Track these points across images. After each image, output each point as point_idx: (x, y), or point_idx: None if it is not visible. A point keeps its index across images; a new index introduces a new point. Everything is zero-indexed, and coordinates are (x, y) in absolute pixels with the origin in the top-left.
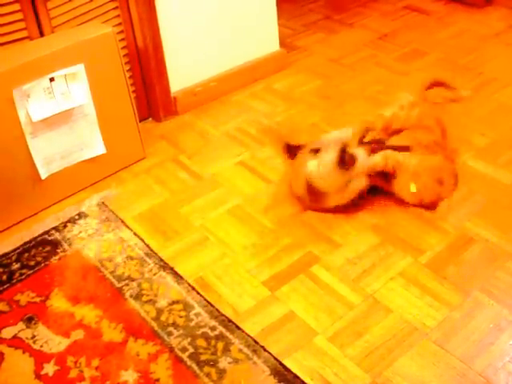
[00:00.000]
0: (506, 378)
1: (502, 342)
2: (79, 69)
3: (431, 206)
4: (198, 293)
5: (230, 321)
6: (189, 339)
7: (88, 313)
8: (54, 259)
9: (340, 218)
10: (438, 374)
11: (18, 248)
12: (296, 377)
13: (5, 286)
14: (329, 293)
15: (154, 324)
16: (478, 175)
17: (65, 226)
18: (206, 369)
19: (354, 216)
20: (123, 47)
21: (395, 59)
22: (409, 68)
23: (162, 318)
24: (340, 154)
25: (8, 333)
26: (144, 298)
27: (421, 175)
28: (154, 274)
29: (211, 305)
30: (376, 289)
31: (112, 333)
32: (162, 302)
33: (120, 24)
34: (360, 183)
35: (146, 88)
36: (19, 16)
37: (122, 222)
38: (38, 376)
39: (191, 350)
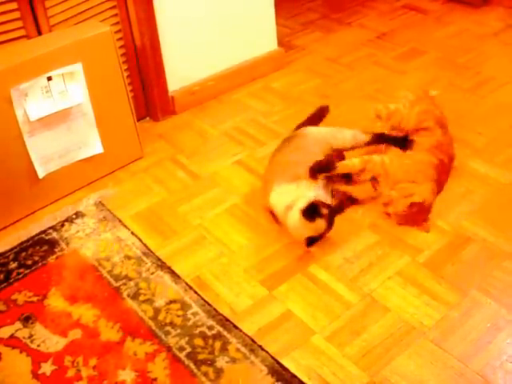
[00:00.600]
0: (504, 377)
1: (500, 341)
2: (77, 68)
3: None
4: (196, 292)
5: (227, 320)
6: (186, 338)
7: (85, 312)
8: (52, 258)
9: (337, 218)
10: (435, 373)
11: (15, 247)
12: (294, 376)
13: (2, 286)
14: (326, 292)
15: (151, 323)
16: (475, 174)
17: (62, 226)
18: (204, 368)
19: (352, 215)
20: (121, 46)
21: (393, 58)
22: (407, 67)
23: (160, 318)
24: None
25: (5, 332)
26: (141, 298)
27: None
28: (152, 274)
29: (209, 304)
30: (373, 288)
31: (109, 332)
32: (160, 302)
33: (118, 23)
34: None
35: (144, 87)
36: (16, 15)
37: (120, 221)
38: (35, 376)
39: (189, 349)
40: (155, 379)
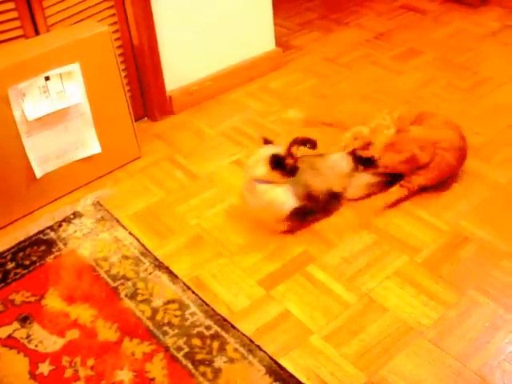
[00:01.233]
0: (502, 377)
1: (498, 341)
2: (74, 68)
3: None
4: (194, 292)
5: (225, 320)
6: (184, 338)
7: (83, 312)
8: (49, 258)
9: (335, 218)
10: (433, 373)
11: (12, 247)
12: (291, 376)
13: (0, 286)
14: (324, 292)
15: (149, 323)
16: (473, 174)
17: (60, 226)
18: (202, 368)
19: (350, 215)
20: (118, 46)
21: (391, 58)
22: (405, 67)
23: (158, 318)
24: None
25: (2, 332)
26: (139, 298)
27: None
28: (150, 274)
29: (206, 304)
30: (371, 288)
31: (107, 332)
32: (158, 302)
33: (115, 23)
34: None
35: (142, 87)
36: (14, 14)
37: (118, 221)
38: (32, 376)
39: (186, 349)
40: (153, 379)
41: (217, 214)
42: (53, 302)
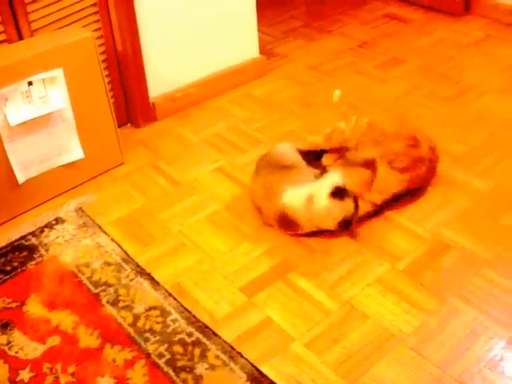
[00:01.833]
0: (482, 383)
1: (478, 348)
2: (58, 73)
3: None
4: (175, 299)
5: (206, 327)
6: (165, 345)
7: (64, 319)
8: (31, 264)
9: None
10: (414, 380)
11: None
12: (273, 383)
13: None
14: (306, 299)
15: (130, 330)
16: (455, 182)
17: (42, 231)
18: (183, 375)
19: None
20: (102, 52)
21: (374, 67)
22: (388, 76)
23: (139, 324)
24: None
25: None
26: (121, 304)
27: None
28: (131, 280)
29: (188, 311)
30: (353, 295)
31: (88, 339)
32: (139, 308)
33: (99, 29)
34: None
35: (125, 93)
36: None
37: (100, 227)
38: (12, 383)
39: (168, 356)
40: None
41: (199, 221)
42: (34, 308)
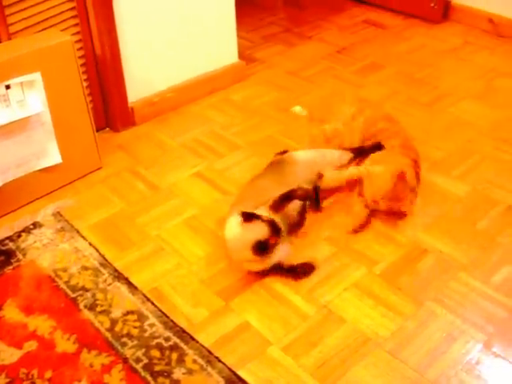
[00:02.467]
0: None
1: (455, 351)
2: (36, 77)
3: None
4: (153, 303)
5: (184, 331)
6: (143, 350)
7: (41, 324)
8: (8, 269)
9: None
10: None
11: None
12: None
13: None
14: (283, 303)
15: (107, 335)
16: (432, 187)
17: (19, 236)
18: (160, 380)
19: (309, 227)
20: (81, 56)
21: (353, 72)
22: (366, 81)
23: (116, 329)
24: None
25: None
26: (98, 309)
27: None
28: (109, 285)
29: (166, 315)
30: (330, 299)
31: (65, 344)
32: (117, 313)
33: (78, 33)
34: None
35: (104, 97)
36: None
37: (78, 231)
38: None
39: (145, 360)
40: None
41: (177, 226)
42: (10, 313)
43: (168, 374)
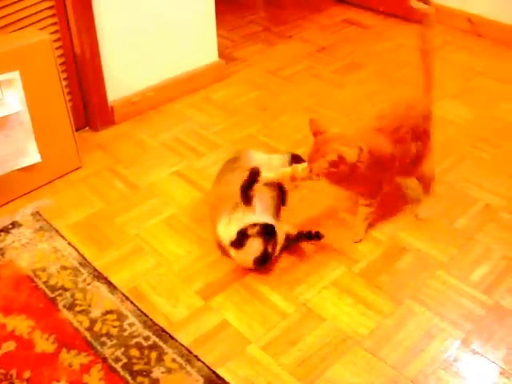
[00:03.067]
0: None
1: (433, 349)
2: (14, 76)
3: None
4: (132, 303)
5: (163, 330)
6: (122, 349)
7: (20, 324)
8: None
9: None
10: (370, 381)
11: None
12: None
13: None
14: (262, 302)
15: (87, 334)
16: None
17: None
18: (140, 379)
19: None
20: (60, 55)
21: (332, 72)
22: (346, 80)
23: (96, 329)
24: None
25: None
26: (77, 308)
27: None
28: (88, 284)
29: (145, 315)
30: (309, 298)
31: (44, 344)
32: (96, 312)
33: (57, 31)
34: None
35: (83, 96)
36: None
37: (57, 231)
38: None
39: (124, 360)
40: None
41: (156, 225)
42: None
43: (147, 373)
